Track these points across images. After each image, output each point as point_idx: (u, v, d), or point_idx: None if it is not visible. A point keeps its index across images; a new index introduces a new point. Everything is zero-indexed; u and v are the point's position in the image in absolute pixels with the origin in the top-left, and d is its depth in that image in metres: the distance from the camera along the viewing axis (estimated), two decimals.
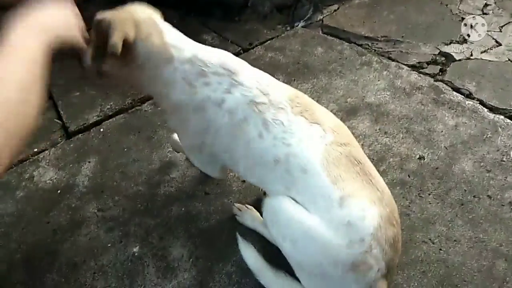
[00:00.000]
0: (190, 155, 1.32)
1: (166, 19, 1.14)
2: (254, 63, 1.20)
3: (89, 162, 1.76)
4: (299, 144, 1.04)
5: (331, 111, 1.21)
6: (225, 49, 1.17)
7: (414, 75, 2.13)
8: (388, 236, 0.98)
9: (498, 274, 1.28)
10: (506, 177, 1.57)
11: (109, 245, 1.43)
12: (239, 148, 1.11)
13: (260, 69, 1.18)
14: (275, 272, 1.16)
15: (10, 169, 1.74)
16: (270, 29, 2.64)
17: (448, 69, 2.17)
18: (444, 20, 2.60)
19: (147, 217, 1.51)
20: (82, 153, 1.80)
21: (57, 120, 2.01)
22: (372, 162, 1.10)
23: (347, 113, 1.91)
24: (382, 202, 1.01)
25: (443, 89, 2.03)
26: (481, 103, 1.93)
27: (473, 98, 1.96)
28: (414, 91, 2.03)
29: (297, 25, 2.66)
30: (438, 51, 2.31)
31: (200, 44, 1.15)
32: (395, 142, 1.75)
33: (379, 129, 1.82)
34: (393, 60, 2.27)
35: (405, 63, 2.24)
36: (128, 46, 1.01)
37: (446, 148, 1.71)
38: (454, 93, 2.00)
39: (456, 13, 2.65)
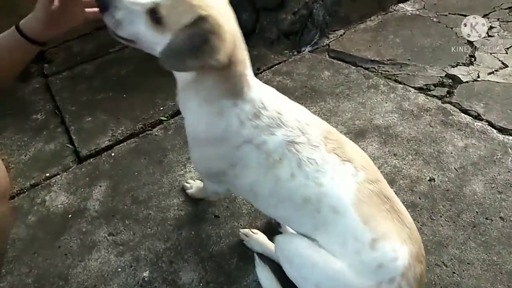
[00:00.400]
0: (202, 176, 1.28)
1: None
2: None
3: (100, 186, 1.77)
4: (331, 184, 1.02)
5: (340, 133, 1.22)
6: None
7: (421, 97, 2.14)
8: (416, 273, 0.97)
9: None
10: None
11: (119, 269, 1.43)
12: (266, 186, 1.08)
13: None
14: None
15: (23, 193, 1.77)
16: (278, 54, 2.69)
17: (455, 91, 2.19)
18: (449, 43, 2.63)
19: (157, 241, 1.51)
20: (94, 178, 1.82)
21: (68, 145, 2.05)
22: None
23: (355, 135, 1.92)
24: (411, 239, 1.00)
25: (451, 110, 2.03)
26: (490, 124, 1.93)
27: (482, 120, 1.96)
28: (422, 113, 2.03)
29: (304, 50, 2.71)
30: (445, 73, 2.33)
31: (263, 84, 1.13)
32: (404, 164, 1.75)
33: (388, 151, 1.82)
34: (400, 83, 2.29)
35: (412, 85, 2.25)
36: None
37: (456, 169, 1.70)
38: (462, 114, 2.00)
39: (462, 36, 2.68)
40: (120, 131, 2.09)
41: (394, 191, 1.59)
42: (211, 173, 1.20)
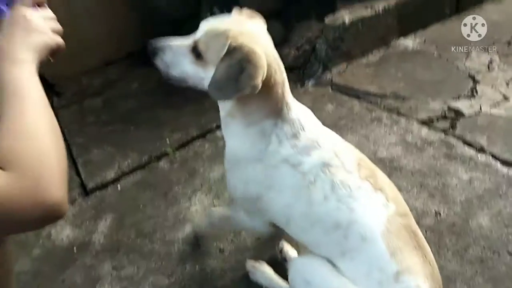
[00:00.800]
0: (237, 208, 1.27)
1: None
2: None
3: (106, 219, 1.78)
4: (363, 211, 1.02)
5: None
6: None
7: (424, 130, 2.16)
8: None
9: None
10: None
11: None
12: (299, 208, 1.08)
13: None
14: None
15: None
16: None
17: (458, 123, 2.20)
18: (451, 77, 2.67)
19: (161, 276, 1.50)
20: (99, 210, 1.83)
21: (75, 177, 2.07)
22: None
23: None
24: (434, 277, 1.00)
25: (454, 143, 2.04)
26: (494, 157, 1.93)
27: (485, 152, 1.97)
28: (425, 145, 2.05)
29: (308, 84, 2.76)
30: (447, 106, 2.36)
31: (302, 105, 1.17)
32: (410, 197, 1.75)
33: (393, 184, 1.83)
34: (403, 116, 2.31)
35: (415, 118, 2.28)
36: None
37: (461, 203, 1.70)
38: (466, 147, 2.01)
39: (463, 70, 2.73)
40: (126, 164, 2.12)
41: None
42: (248, 198, 1.19)
